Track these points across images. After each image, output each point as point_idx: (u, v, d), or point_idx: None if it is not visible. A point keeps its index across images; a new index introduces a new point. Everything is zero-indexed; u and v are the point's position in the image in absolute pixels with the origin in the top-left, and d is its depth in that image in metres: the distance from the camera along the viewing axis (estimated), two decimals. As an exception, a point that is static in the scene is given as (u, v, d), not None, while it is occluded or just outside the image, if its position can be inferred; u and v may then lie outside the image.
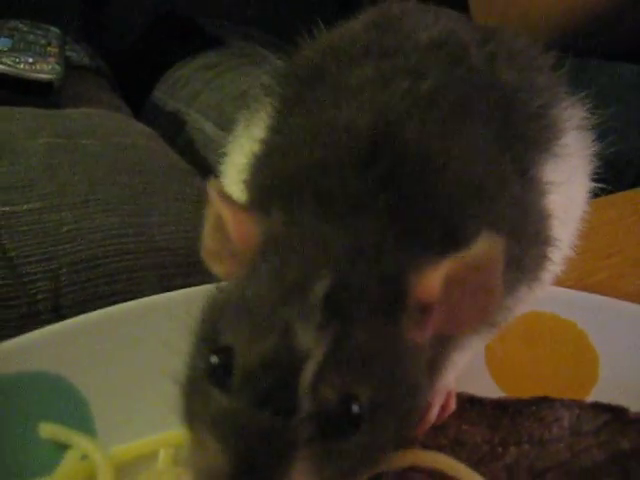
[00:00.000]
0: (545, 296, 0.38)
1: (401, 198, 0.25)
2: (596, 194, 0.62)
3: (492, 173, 0.28)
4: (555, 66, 0.37)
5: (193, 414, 0.24)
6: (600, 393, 0.35)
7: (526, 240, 0.29)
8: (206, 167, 0.94)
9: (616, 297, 0.42)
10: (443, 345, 0.27)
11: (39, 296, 0.62)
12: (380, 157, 0.26)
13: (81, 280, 0.63)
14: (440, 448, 0.31)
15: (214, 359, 0.23)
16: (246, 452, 0.22)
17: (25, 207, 0.68)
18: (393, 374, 0.24)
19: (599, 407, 0.33)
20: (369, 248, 0.24)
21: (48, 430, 0.30)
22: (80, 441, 0.30)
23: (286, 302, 0.23)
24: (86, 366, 0.32)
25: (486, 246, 0.23)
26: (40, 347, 0.32)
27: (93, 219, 0.69)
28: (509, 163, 0.30)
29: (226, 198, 0.25)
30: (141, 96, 1.17)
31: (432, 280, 0.24)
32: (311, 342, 0.22)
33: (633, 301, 0.42)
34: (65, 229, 0.67)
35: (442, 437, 0.32)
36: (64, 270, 0.65)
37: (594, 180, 0.39)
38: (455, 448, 0.31)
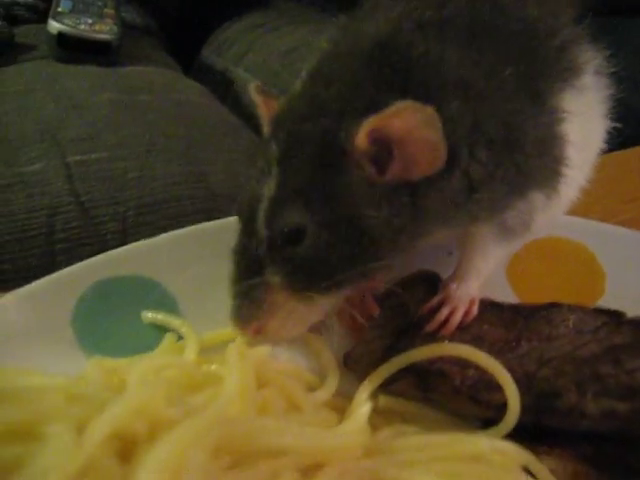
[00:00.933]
0: (561, 224, 0.46)
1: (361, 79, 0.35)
2: (624, 144, 0.69)
3: (483, 78, 0.35)
4: (581, 16, 0.43)
5: None
6: (604, 305, 0.42)
7: (531, 150, 0.36)
8: (254, 122, 1.01)
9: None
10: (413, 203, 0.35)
11: (108, 236, 0.71)
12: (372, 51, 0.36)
13: (145, 222, 0.72)
14: (464, 343, 0.39)
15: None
16: (237, 263, 0.37)
17: (93, 156, 0.77)
18: (335, 203, 0.34)
19: (600, 311, 0.40)
20: (317, 113, 0.35)
21: (149, 317, 0.39)
22: (175, 323, 0.39)
23: (257, 164, 0.37)
24: (174, 272, 0.41)
25: (401, 109, 0.32)
26: (136, 256, 0.41)
27: (154, 168, 0.77)
28: (525, 86, 0.37)
29: (260, 92, 0.41)
30: (190, 55, 1.24)
31: (363, 132, 0.33)
32: (267, 191, 0.35)
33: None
34: (130, 176, 0.76)
35: (465, 334, 0.39)
36: (130, 213, 0.73)
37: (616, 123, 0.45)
38: (476, 343, 0.39)
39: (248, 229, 0.37)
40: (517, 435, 0.37)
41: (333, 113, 0.35)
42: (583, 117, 0.40)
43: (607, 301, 0.43)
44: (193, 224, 0.75)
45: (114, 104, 0.84)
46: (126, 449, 0.26)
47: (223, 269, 0.41)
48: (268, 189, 0.35)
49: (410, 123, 0.33)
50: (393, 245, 0.35)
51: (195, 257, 0.42)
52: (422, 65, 0.35)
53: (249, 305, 0.36)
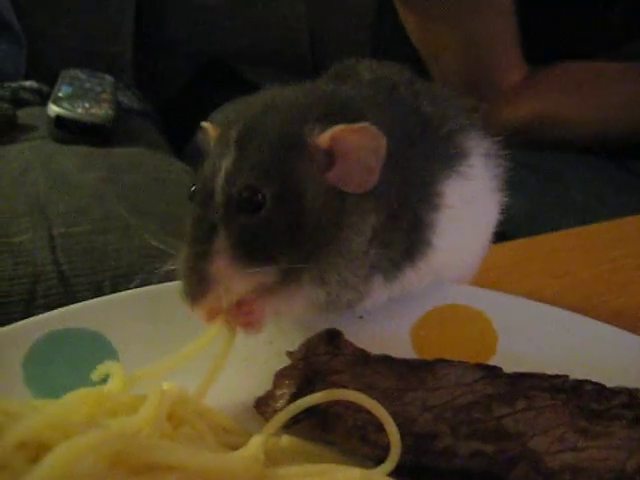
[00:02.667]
0: (463, 293, 0.54)
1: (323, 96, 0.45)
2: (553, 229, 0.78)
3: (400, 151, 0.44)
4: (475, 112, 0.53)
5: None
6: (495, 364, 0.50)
7: (409, 226, 0.46)
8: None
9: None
10: (341, 209, 0.43)
11: (84, 302, 0.80)
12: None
13: (119, 291, 0.81)
14: (357, 390, 0.46)
15: (192, 187, 0.43)
16: (193, 232, 0.41)
17: (77, 229, 0.87)
18: (287, 182, 0.41)
19: (480, 366, 0.48)
20: (275, 110, 0.43)
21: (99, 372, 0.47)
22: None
23: (218, 147, 0.42)
24: (118, 327, 0.50)
25: (365, 127, 0.40)
26: (83, 312, 0.50)
27: (133, 241, 0.87)
28: (414, 172, 0.46)
29: (209, 125, 0.47)
30: (185, 139, 1.36)
31: (329, 134, 0.41)
32: (225, 163, 0.40)
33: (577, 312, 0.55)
34: (110, 249, 0.86)
35: (359, 383, 0.47)
36: (106, 283, 0.83)
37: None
38: (368, 391, 0.46)
39: (204, 201, 0.41)
40: (402, 475, 0.45)
41: (293, 112, 0.42)
42: (468, 203, 0.49)
43: (496, 361, 0.50)
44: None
45: (100, 182, 0.95)
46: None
47: (164, 328, 0.50)
48: (226, 163, 0.41)
49: (362, 143, 0.40)
50: (317, 247, 0.42)
51: (140, 316, 0.51)
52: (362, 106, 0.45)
53: (197, 276, 0.40)
